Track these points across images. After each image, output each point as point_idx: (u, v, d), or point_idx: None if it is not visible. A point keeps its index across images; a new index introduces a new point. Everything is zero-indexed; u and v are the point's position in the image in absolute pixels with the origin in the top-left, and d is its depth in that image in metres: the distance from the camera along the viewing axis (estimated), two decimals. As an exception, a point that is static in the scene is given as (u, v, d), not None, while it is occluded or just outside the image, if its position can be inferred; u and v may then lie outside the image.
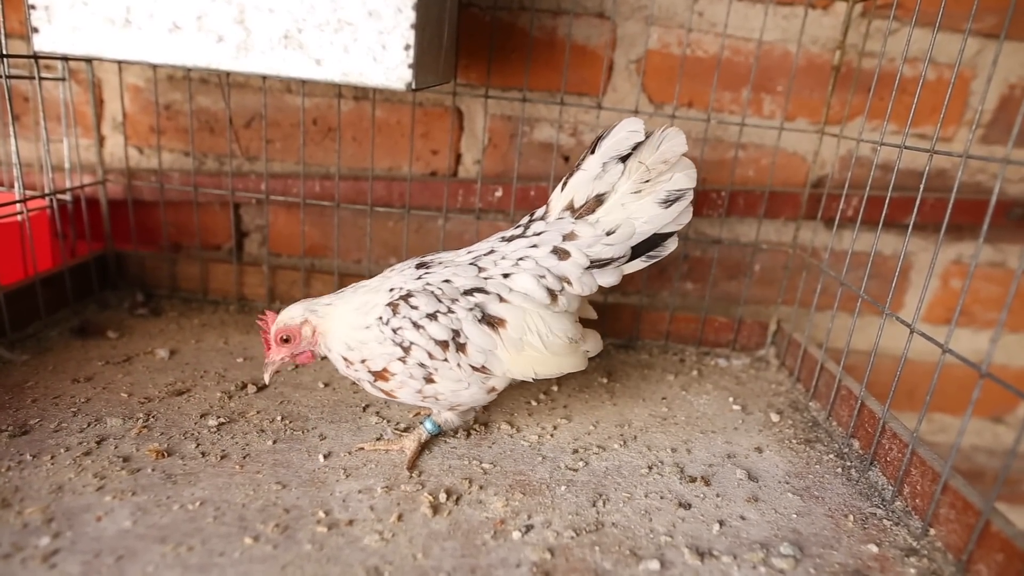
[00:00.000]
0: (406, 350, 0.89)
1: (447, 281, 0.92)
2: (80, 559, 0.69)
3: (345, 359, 0.92)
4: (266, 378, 0.94)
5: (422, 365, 0.89)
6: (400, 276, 0.95)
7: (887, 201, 1.02)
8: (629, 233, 0.97)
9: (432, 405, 0.95)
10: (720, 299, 1.54)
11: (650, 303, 1.52)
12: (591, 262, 0.96)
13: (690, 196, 0.97)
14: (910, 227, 0.95)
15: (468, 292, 0.91)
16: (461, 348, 0.89)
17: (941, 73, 1.39)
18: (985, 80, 1.38)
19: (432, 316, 0.89)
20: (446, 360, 0.89)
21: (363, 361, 0.91)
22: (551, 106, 1.40)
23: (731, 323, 1.42)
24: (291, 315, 0.93)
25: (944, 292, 1.56)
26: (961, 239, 1.52)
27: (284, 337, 0.92)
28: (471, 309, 0.90)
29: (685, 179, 0.96)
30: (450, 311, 0.89)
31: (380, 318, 0.90)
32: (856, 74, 1.34)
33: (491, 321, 0.91)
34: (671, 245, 1.00)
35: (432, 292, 0.90)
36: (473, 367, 0.90)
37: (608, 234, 0.96)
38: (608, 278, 0.98)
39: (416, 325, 0.88)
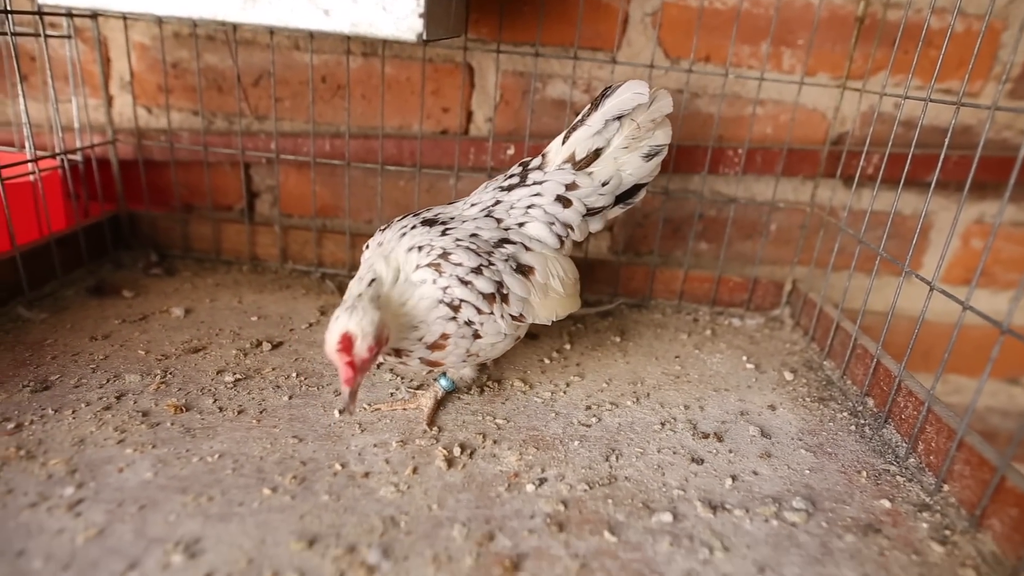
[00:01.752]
0: (455, 309, 0.86)
1: (475, 235, 0.91)
2: (104, 508, 0.71)
3: (399, 350, 0.85)
4: (348, 409, 0.76)
5: (469, 323, 0.88)
6: (416, 236, 0.89)
7: (909, 158, 1.00)
8: (618, 184, 1.05)
9: (467, 363, 0.94)
10: (735, 259, 1.53)
11: (664, 263, 1.50)
12: (587, 210, 1.02)
13: (665, 152, 1.06)
14: (932, 185, 0.93)
15: (498, 244, 0.92)
16: (504, 299, 0.89)
17: (970, 25, 1.34)
18: (1017, 31, 1.33)
19: (477, 270, 0.87)
20: (492, 313, 0.88)
21: (420, 339, 0.85)
22: (564, 61, 1.37)
23: (746, 283, 1.40)
24: (372, 319, 0.75)
25: (965, 252, 1.53)
26: (984, 198, 1.49)
27: (377, 346, 0.76)
28: (506, 260, 0.91)
29: (663, 136, 1.05)
30: (491, 264, 0.89)
31: (424, 281, 0.84)
32: (881, 26, 1.30)
33: (524, 270, 0.92)
34: (642, 194, 1.10)
35: (468, 247, 0.89)
36: (513, 317, 0.91)
37: (603, 185, 1.03)
38: (596, 225, 1.06)
39: (463, 281, 0.86)
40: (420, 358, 0.88)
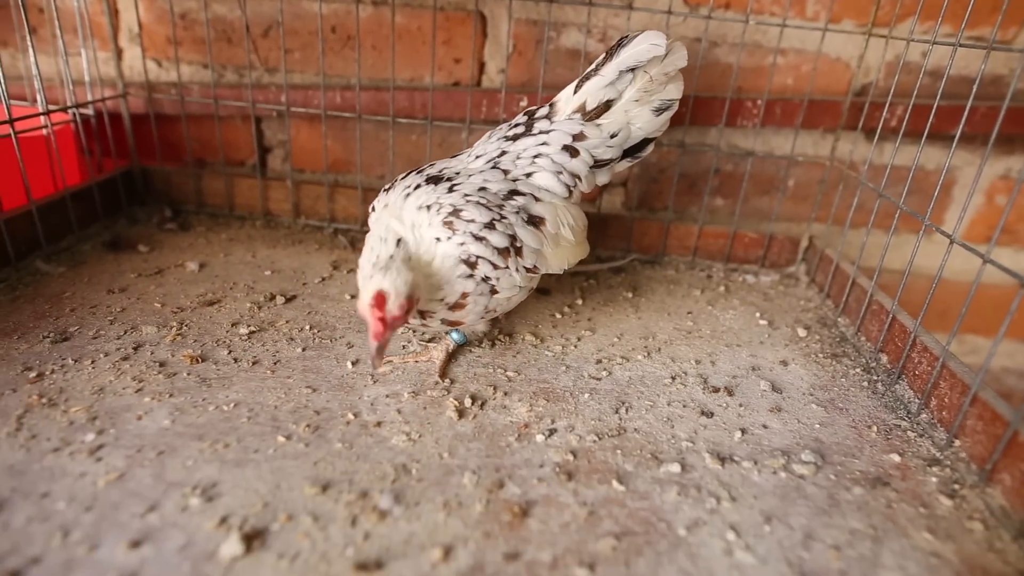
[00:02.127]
0: (472, 266, 0.85)
1: (483, 189, 0.90)
2: (124, 453, 0.73)
3: (423, 312, 0.86)
4: (382, 366, 0.80)
5: (486, 279, 0.87)
6: (422, 195, 0.88)
7: (934, 109, 0.97)
8: (627, 137, 1.03)
9: (484, 319, 0.94)
10: (751, 215, 1.50)
11: (678, 219, 1.49)
12: (595, 161, 1.01)
13: (676, 106, 1.04)
14: (956, 137, 0.90)
15: (507, 196, 0.91)
16: (519, 252, 0.89)
17: (1005, -33, 1.27)
18: (1054, -26, 1.26)
19: (490, 225, 0.86)
20: (507, 268, 0.88)
21: (442, 300, 0.86)
22: (579, 8, 1.33)
23: (761, 239, 1.39)
24: (406, 279, 0.76)
25: (988, 209, 1.49)
26: (1012, 152, 1.44)
27: (409, 304, 0.77)
28: (517, 212, 0.90)
29: (675, 90, 1.03)
30: (503, 217, 0.88)
31: (437, 239, 0.84)
32: (911, -31, 1.24)
33: (535, 221, 0.91)
34: (650, 148, 1.07)
35: (478, 202, 0.87)
36: (527, 269, 0.91)
37: (612, 137, 1.01)
38: (603, 177, 1.05)
39: (477, 238, 0.85)
40: (442, 319, 0.89)
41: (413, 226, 0.86)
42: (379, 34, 1.38)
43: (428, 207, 0.86)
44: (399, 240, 0.82)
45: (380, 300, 0.74)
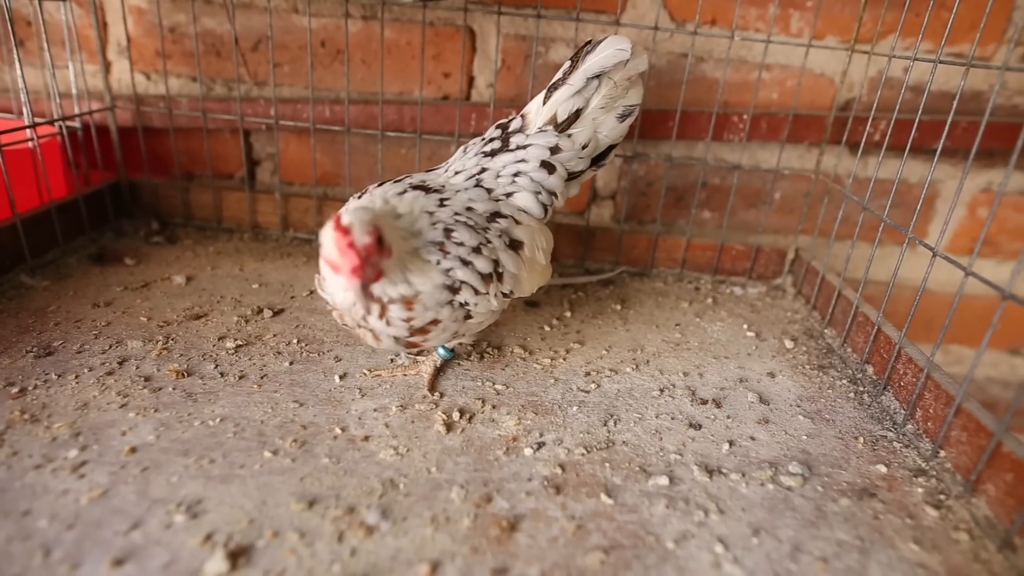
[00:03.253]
0: (455, 291, 0.81)
1: (470, 208, 0.87)
2: (107, 470, 0.72)
3: (405, 299, 0.78)
4: (366, 306, 0.72)
5: (464, 305, 0.84)
6: (419, 199, 0.85)
7: (916, 124, 0.98)
8: (595, 147, 1.02)
9: (451, 342, 0.92)
10: (738, 227, 1.52)
11: (666, 231, 1.50)
12: (568, 175, 0.99)
13: (637, 111, 1.03)
14: (938, 151, 0.92)
15: (491, 218, 0.88)
16: (499, 278, 0.86)
17: (983, -15, 1.30)
18: (1031, -8, 1.29)
19: (476, 250, 0.83)
20: (487, 293, 0.85)
21: (408, 320, 0.79)
22: (567, 24, 1.34)
23: (748, 251, 1.40)
24: (369, 211, 0.72)
25: (970, 221, 1.52)
26: (992, 166, 1.46)
27: (379, 237, 0.71)
28: (500, 236, 0.87)
29: (636, 96, 1.02)
30: (488, 241, 0.85)
31: (436, 262, 0.79)
32: (891, -13, 1.27)
33: (515, 245, 0.89)
34: (611, 156, 1.06)
35: (466, 223, 0.84)
36: (504, 294, 0.89)
37: (583, 148, 1.00)
38: (574, 190, 1.03)
39: (465, 262, 0.81)
40: (396, 337, 0.81)
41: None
42: (368, 48, 1.39)
43: (430, 212, 0.83)
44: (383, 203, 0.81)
45: (345, 228, 0.68)
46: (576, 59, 0.98)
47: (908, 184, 1.47)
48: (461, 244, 0.82)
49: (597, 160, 1.04)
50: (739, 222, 1.51)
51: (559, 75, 0.99)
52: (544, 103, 0.99)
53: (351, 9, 1.35)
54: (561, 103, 0.98)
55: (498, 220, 0.88)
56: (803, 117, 1.35)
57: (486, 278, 0.84)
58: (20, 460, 0.72)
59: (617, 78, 0.98)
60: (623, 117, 1.02)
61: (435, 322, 0.82)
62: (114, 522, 0.65)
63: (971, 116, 1.36)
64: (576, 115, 0.99)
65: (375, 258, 0.70)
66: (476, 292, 0.83)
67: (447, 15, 1.35)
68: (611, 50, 0.96)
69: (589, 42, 0.98)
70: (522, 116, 1.00)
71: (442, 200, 0.87)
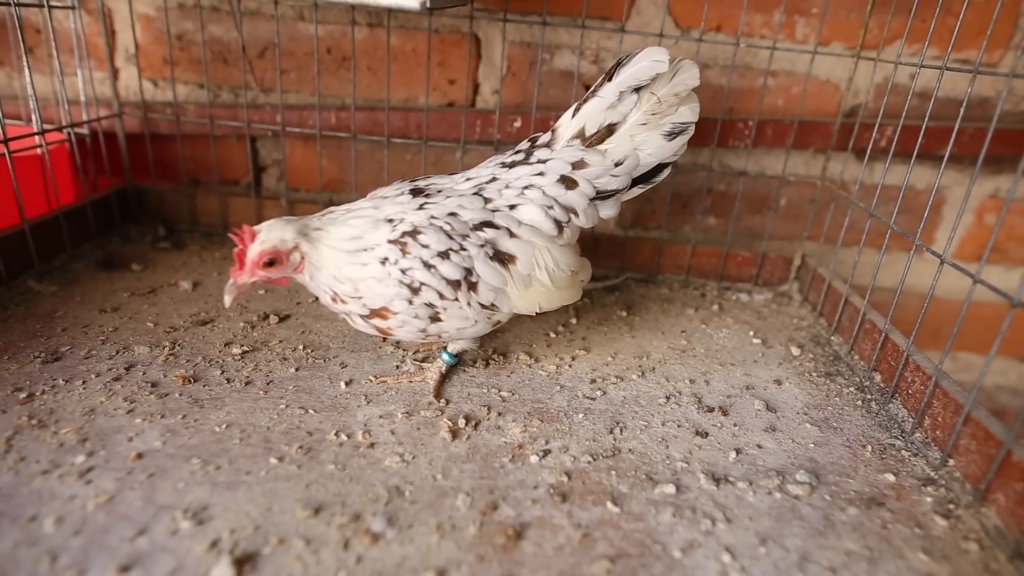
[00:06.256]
0: (415, 291, 0.84)
1: (453, 214, 0.87)
2: (114, 475, 0.72)
3: (334, 294, 0.86)
4: (228, 301, 0.84)
5: (430, 305, 0.86)
6: (395, 205, 0.88)
7: (923, 130, 0.98)
8: (634, 164, 0.96)
9: (433, 341, 0.93)
10: (744, 234, 1.51)
11: (672, 237, 1.49)
12: (596, 193, 0.95)
13: (692, 130, 0.97)
14: (945, 158, 0.91)
15: (477, 227, 0.87)
16: (472, 287, 0.86)
17: (990, -9, 1.30)
18: (1037, -2, 1.29)
19: (444, 255, 0.84)
20: (456, 300, 0.86)
21: (357, 298, 0.85)
22: (572, 30, 1.34)
23: (754, 258, 1.39)
24: (283, 237, 0.83)
25: (978, 228, 1.51)
26: (1000, 172, 1.46)
27: (270, 260, 0.83)
28: (482, 246, 0.86)
29: (689, 113, 0.96)
30: (462, 248, 0.85)
31: (385, 259, 0.83)
32: (897, -7, 1.26)
33: (502, 258, 0.88)
34: (664, 174, 1.01)
35: (441, 227, 0.85)
36: (483, 305, 0.88)
37: (616, 165, 0.95)
38: (609, 210, 0.98)
39: (427, 265, 0.83)
40: (360, 316, 0.87)
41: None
42: (374, 55, 1.39)
43: (390, 220, 0.86)
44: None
45: (250, 236, 0.83)
46: (610, 73, 0.94)
47: (915, 190, 1.47)
48: (426, 247, 0.84)
49: (647, 178, 1.00)
50: (745, 228, 1.51)
51: (591, 89, 0.96)
52: (573, 116, 0.96)
53: (357, 16, 1.36)
54: (591, 116, 0.94)
55: (485, 230, 0.87)
56: (809, 123, 1.35)
57: (453, 284, 0.85)
58: (27, 465, 0.72)
59: (661, 93, 0.93)
60: (672, 135, 0.96)
61: (388, 310, 0.86)
62: (120, 528, 0.65)
63: (978, 122, 1.35)
64: (609, 130, 0.94)
65: (260, 271, 0.84)
66: (442, 296, 0.85)
67: (453, 22, 1.36)
68: (646, 62, 0.91)
69: (625, 55, 0.94)
70: (553, 131, 0.97)
71: (423, 204, 0.88)
